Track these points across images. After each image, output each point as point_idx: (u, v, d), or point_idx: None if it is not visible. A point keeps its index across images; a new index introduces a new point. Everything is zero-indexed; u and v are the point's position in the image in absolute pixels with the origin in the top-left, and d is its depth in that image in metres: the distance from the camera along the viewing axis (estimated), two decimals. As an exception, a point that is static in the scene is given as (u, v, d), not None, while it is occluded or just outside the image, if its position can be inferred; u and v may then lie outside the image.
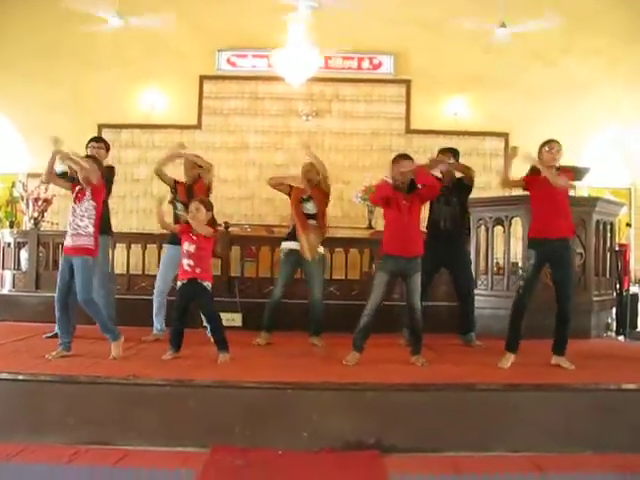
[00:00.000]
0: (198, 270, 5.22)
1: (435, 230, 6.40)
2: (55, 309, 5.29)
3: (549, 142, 5.21)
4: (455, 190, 6.39)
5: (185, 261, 5.24)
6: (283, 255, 6.43)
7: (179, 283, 5.32)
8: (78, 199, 5.24)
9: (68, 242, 5.25)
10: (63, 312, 5.26)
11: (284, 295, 6.39)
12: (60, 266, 5.40)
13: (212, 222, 5.38)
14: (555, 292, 5.18)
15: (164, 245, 6.65)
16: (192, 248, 5.24)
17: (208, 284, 5.29)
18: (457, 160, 6.48)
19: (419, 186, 5.19)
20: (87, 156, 5.59)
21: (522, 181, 5.33)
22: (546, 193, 5.11)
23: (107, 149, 6.44)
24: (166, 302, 6.33)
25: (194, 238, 5.26)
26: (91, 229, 5.22)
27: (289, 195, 6.42)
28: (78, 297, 5.19)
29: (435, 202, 6.24)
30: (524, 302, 5.24)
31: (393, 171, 5.23)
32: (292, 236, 6.34)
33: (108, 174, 5.88)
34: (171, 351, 5.27)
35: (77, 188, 5.28)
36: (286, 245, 6.40)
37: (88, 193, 5.23)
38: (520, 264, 6.83)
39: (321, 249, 6.37)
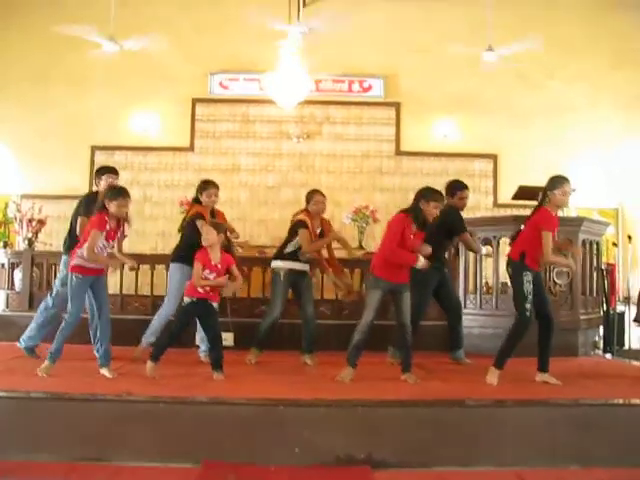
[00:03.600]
0: (211, 292, 5.42)
1: None
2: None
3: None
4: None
5: None
6: (283, 274, 6.32)
7: (188, 300, 5.40)
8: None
9: None
10: None
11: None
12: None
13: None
14: (537, 307, 5.28)
15: (177, 264, 6.28)
16: (212, 275, 5.39)
17: (216, 305, 5.46)
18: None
19: None
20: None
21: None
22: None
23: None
24: None
25: (218, 267, 5.42)
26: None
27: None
28: None
29: None
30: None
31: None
32: (292, 256, 6.30)
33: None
34: (154, 363, 5.32)
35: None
36: (286, 265, 6.32)
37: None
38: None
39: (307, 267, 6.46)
